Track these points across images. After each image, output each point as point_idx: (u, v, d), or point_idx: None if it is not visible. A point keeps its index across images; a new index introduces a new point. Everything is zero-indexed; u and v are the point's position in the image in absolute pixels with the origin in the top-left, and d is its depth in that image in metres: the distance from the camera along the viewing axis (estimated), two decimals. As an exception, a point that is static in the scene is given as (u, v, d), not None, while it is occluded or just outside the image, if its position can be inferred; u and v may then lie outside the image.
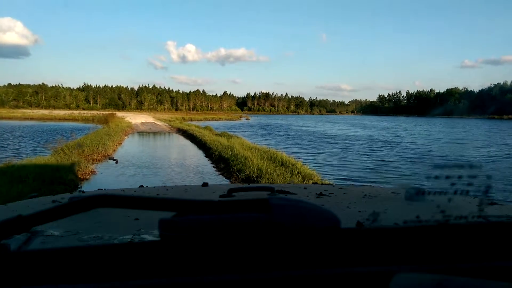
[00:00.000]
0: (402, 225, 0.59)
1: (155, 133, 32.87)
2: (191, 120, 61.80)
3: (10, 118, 59.82)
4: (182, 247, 0.49)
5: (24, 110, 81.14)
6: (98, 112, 65.70)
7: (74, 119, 56.36)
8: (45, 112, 71.58)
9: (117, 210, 0.57)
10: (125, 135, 28.43)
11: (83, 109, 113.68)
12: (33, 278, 0.47)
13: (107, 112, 59.55)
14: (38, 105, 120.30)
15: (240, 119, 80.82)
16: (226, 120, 75.11)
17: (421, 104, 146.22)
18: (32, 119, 59.26)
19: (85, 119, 53.11)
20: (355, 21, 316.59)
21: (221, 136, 25.75)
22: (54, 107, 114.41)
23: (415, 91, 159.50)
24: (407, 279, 0.41)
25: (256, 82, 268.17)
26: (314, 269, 0.47)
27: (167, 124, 43.69)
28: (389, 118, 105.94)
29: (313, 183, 6.47)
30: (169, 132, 34.68)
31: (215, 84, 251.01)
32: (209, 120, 71.28)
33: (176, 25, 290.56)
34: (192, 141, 25.72)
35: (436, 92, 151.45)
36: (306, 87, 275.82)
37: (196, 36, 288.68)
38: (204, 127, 34.91)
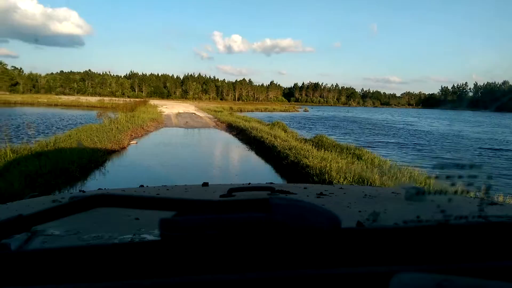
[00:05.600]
0: (402, 225, 0.57)
1: (191, 131, 18.58)
2: (241, 111, 47.59)
3: (32, 104, 49.86)
4: (182, 246, 0.47)
5: (50, 96, 71.34)
6: (132, 99, 53.47)
7: (103, 107, 44.25)
8: (72, 98, 60.44)
9: (118, 210, 0.56)
10: (132, 138, 14.33)
11: (128, 96, 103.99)
12: (33, 277, 0.45)
13: (138, 100, 47.19)
14: (84, 92, 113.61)
15: (298, 111, 65.14)
16: (281, 111, 59.87)
17: (491, 98, 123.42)
18: (56, 105, 48.43)
19: (115, 107, 40.83)
20: (406, 10, 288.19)
21: (317, 145, 11.02)
22: (100, 94, 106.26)
23: (485, 83, 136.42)
24: (407, 279, 0.40)
25: (301, 73, 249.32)
26: (314, 269, 0.45)
27: (211, 116, 29.32)
28: (465, 113, 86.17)
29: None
30: (213, 129, 20.23)
31: (259, 74, 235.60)
32: (261, 111, 56.69)
33: (223, 15, 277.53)
34: (264, 159, 11.11)
35: (510, 84, 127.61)
36: (353, 79, 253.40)
37: (243, 27, 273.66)
38: (272, 124, 20.06)
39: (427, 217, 0.55)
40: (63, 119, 24.59)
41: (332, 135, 19.21)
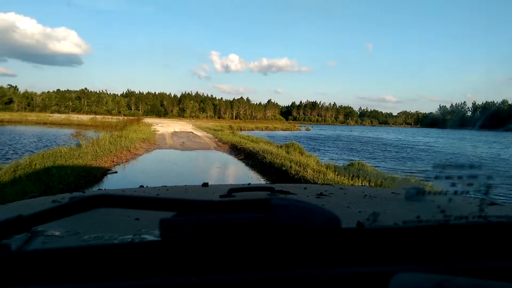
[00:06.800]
0: (402, 225, 0.57)
1: (188, 154, 15.14)
2: (241, 130, 44.38)
3: (20, 122, 46.51)
4: (182, 247, 0.47)
5: (40, 114, 68.11)
6: (127, 118, 50.30)
7: (94, 125, 41.00)
8: (63, 116, 57.08)
9: (118, 210, 0.56)
10: (114, 165, 10.98)
11: (124, 115, 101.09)
12: (33, 278, 0.45)
13: (131, 118, 44.23)
14: (79, 110, 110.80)
15: (300, 130, 62.10)
16: (282, 130, 56.72)
17: (489, 117, 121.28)
18: (45, 123, 45.09)
19: (105, 125, 37.58)
20: (401, 31, 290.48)
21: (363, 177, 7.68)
22: (96, 113, 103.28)
23: (484, 102, 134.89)
24: (407, 279, 0.39)
25: (298, 91, 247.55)
26: (314, 269, 0.45)
27: (211, 136, 25.96)
28: (463, 132, 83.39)
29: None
30: (215, 151, 16.84)
31: (257, 93, 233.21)
32: (262, 129, 53.47)
33: (220, 35, 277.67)
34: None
35: (509, 103, 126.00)
36: (349, 98, 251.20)
37: (239, 46, 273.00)
38: (286, 145, 16.72)
39: (427, 217, 0.55)
40: (41, 140, 21.12)
41: (355, 159, 15.84)
